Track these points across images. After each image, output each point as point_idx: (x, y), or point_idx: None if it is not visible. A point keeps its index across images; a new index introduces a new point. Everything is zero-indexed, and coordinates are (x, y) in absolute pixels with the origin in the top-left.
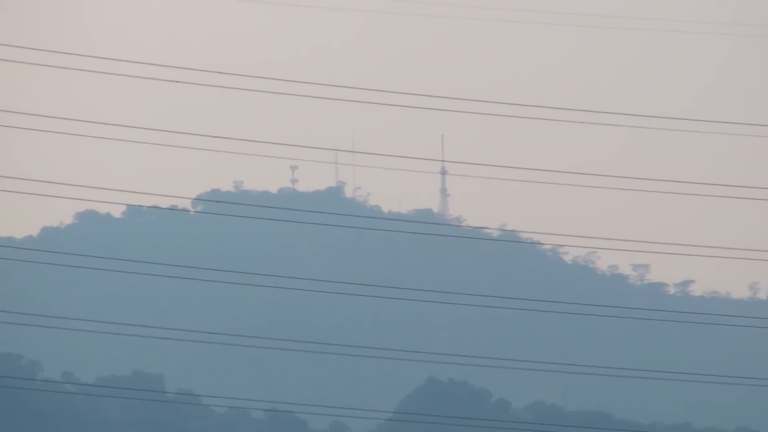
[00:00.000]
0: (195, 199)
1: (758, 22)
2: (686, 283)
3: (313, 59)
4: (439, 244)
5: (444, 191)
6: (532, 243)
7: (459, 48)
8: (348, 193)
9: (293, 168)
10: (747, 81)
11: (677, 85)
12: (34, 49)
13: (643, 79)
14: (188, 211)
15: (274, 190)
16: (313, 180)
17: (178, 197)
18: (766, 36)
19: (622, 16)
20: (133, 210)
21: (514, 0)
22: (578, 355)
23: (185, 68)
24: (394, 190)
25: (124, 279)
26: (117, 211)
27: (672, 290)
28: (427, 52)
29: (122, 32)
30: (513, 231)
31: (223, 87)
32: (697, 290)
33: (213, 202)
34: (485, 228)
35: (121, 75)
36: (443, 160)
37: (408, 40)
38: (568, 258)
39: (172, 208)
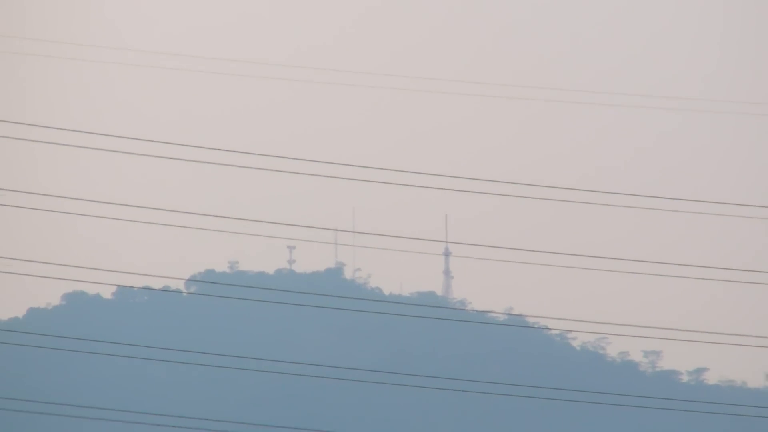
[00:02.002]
0: (188, 279)
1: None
2: (700, 370)
3: (315, 137)
4: (443, 328)
5: (448, 273)
6: (539, 328)
7: (466, 127)
8: (348, 274)
9: (291, 248)
10: (760, 158)
11: (689, 164)
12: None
13: (653, 159)
14: (181, 292)
15: (270, 271)
16: (311, 261)
17: (171, 278)
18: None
19: (647, 95)
20: (123, 291)
21: (527, 78)
22: None
23: (179, 144)
24: (396, 272)
25: (114, 363)
26: (107, 292)
27: (685, 378)
28: (433, 130)
29: (106, 98)
30: (520, 315)
31: (218, 164)
32: (711, 378)
33: (207, 283)
34: (491, 312)
35: (109, 151)
36: (447, 241)
37: (413, 118)
38: (576, 344)
39: (165, 289)
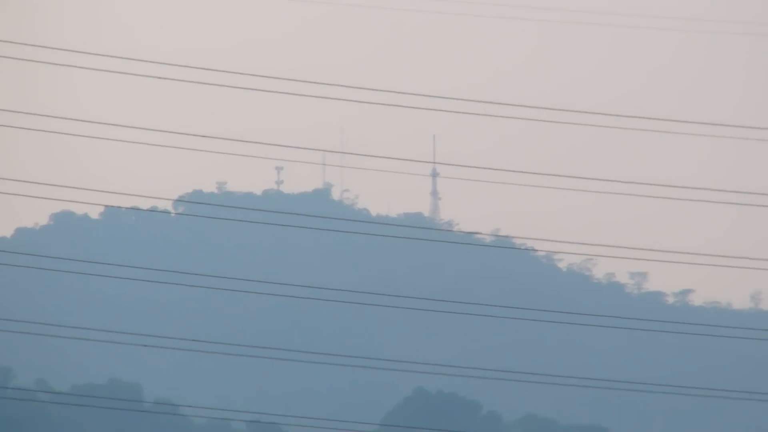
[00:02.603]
0: (176, 200)
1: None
2: (685, 292)
3: (303, 55)
4: (430, 249)
5: (435, 194)
6: (526, 249)
7: (455, 46)
8: (335, 195)
9: (279, 169)
10: (751, 82)
11: (682, 87)
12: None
13: (642, 80)
14: (169, 212)
15: (258, 191)
16: (299, 182)
17: (159, 198)
18: (753, 34)
19: (633, 15)
20: (111, 211)
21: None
22: (573, 366)
23: (166, 64)
24: (384, 193)
25: (101, 283)
26: (94, 212)
27: (671, 300)
28: (423, 49)
29: (97, 27)
30: (506, 236)
31: (205, 84)
32: (696, 300)
33: (195, 204)
34: (478, 233)
35: (97, 70)
36: (435, 162)
37: (402, 36)
38: (563, 265)
39: (153, 210)
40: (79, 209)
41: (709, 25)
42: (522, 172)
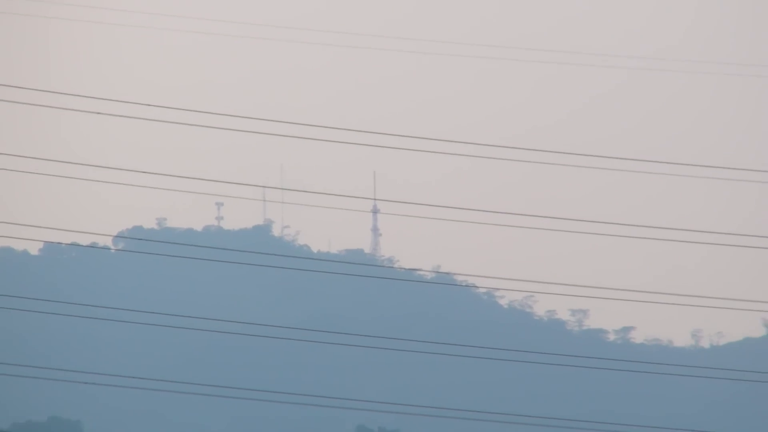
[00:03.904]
0: (116, 236)
1: (734, 61)
2: (626, 329)
3: (243, 89)
4: (371, 285)
5: (376, 230)
6: (467, 286)
7: (396, 83)
8: (276, 231)
9: (219, 205)
10: (690, 119)
11: (612, 121)
12: None
13: (595, 120)
14: (109, 248)
15: (199, 227)
16: (239, 217)
17: (99, 234)
18: (741, 76)
19: (596, 53)
20: (50, 247)
21: (486, 35)
22: (514, 403)
23: (108, 100)
24: (325, 229)
25: (41, 319)
26: (34, 248)
27: (612, 337)
28: (364, 86)
29: (37, 61)
30: (448, 273)
31: (147, 120)
32: (637, 337)
33: (135, 240)
34: (419, 270)
35: (37, 105)
36: (375, 199)
37: (343, 74)
38: (504, 302)
39: (93, 246)
40: (18, 245)
41: (660, 64)
42: (463, 208)
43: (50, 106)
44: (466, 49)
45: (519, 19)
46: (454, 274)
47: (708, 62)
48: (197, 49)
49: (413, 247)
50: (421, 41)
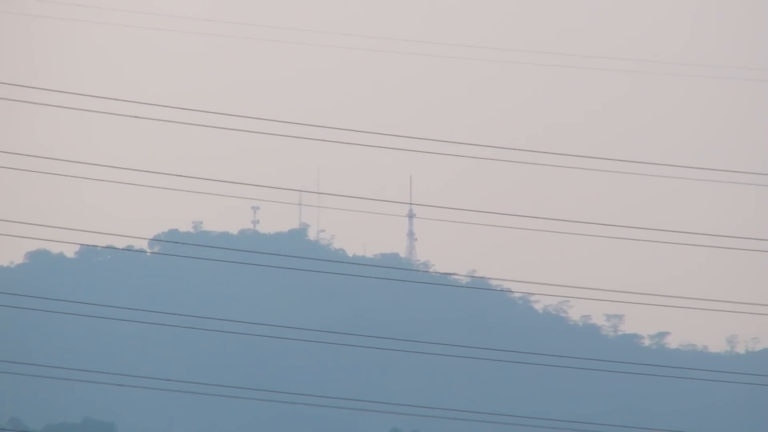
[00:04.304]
0: (152, 239)
1: (741, 65)
2: (662, 335)
3: (282, 94)
4: (406, 290)
5: (411, 235)
6: (502, 290)
7: (433, 87)
8: (312, 235)
9: (255, 209)
10: (735, 126)
11: (655, 128)
12: None
13: (620, 120)
14: (145, 252)
15: (234, 231)
16: (275, 221)
17: (135, 237)
18: (742, 80)
19: (601, 57)
20: (87, 250)
21: (497, 39)
22: (548, 407)
23: (145, 104)
24: (360, 233)
25: (76, 321)
26: (70, 251)
27: (647, 342)
28: (401, 90)
29: (78, 65)
30: (483, 278)
31: (184, 123)
32: (672, 342)
33: (171, 243)
34: (454, 274)
35: (76, 109)
36: (411, 203)
37: (382, 78)
38: (539, 307)
39: (128, 249)
40: (54, 248)
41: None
42: (499, 213)
43: (87, 110)
44: (474, 52)
45: (530, 23)
46: (489, 278)
47: (711, 66)
48: (228, 52)
49: (449, 252)
50: (432, 44)
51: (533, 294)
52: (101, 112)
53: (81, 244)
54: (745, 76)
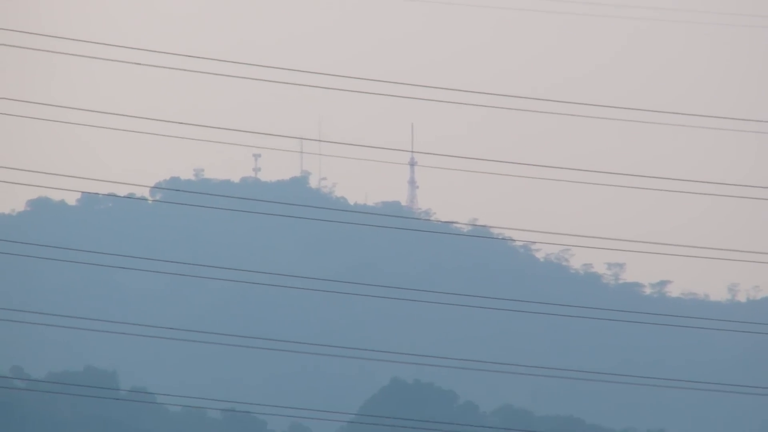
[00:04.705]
0: (153, 187)
1: (746, 13)
2: (663, 283)
3: (283, 44)
4: (407, 238)
5: (413, 183)
6: (503, 239)
7: (434, 36)
8: (313, 183)
9: (256, 156)
10: (733, 74)
11: (657, 78)
12: None
13: (624, 71)
14: (146, 199)
15: (236, 179)
16: (276, 169)
17: (136, 185)
18: (752, 27)
19: (610, 4)
20: (88, 197)
21: None
22: (549, 356)
23: (146, 50)
24: (361, 181)
25: (77, 270)
26: (71, 199)
27: (648, 290)
28: (401, 39)
29: (80, 14)
30: (484, 226)
31: (183, 70)
32: (674, 291)
33: (172, 191)
34: (455, 222)
35: (76, 56)
36: (413, 151)
37: (381, 27)
38: (540, 255)
39: (130, 197)
40: (56, 195)
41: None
42: (501, 161)
43: (87, 56)
44: (535, 3)
45: None
46: (491, 226)
47: (721, 14)
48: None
49: (450, 200)
50: None
51: (535, 242)
52: (103, 59)
53: (82, 192)
54: (749, 23)
